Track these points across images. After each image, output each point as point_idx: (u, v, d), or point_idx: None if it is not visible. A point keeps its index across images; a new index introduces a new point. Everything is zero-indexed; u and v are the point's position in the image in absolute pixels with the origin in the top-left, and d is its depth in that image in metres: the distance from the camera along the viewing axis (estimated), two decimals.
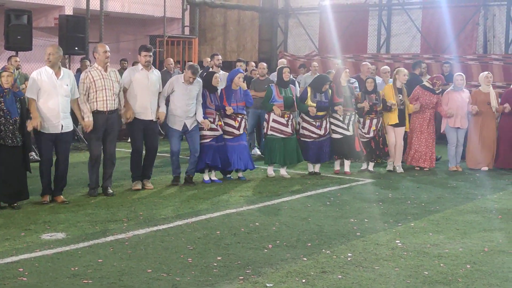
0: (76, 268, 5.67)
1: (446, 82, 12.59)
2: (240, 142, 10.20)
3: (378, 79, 12.43)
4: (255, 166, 10.62)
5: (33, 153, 10.30)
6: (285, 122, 10.41)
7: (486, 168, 11.50)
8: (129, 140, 11.93)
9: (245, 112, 10.41)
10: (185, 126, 9.58)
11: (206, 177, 10.04)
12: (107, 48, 8.80)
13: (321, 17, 20.15)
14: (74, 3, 16.60)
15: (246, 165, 10.25)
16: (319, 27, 20.35)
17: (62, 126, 8.23)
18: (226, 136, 10.13)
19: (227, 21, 21.56)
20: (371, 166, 11.25)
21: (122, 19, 18.76)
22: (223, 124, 10.03)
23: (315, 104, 10.46)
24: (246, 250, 6.33)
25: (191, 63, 10.23)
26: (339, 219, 7.75)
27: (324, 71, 14.54)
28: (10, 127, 7.82)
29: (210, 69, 13.13)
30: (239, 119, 10.18)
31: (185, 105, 9.50)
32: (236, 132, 10.15)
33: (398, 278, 5.60)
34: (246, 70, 13.44)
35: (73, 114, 8.59)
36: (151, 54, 9.18)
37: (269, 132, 10.46)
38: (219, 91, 10.10)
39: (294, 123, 10.57)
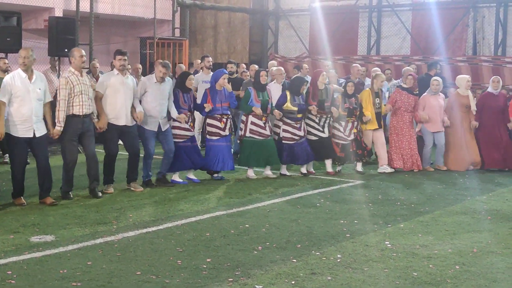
0: (65, 271, 5.64)
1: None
2: (225, 142, 10.25)
3: (368, 81, 12.49)
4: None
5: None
6: (263, 125, 10.46)
7: (471, 168, 11.64)
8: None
9: (229, 113, 10.41)
10: (159, 127, 9.57)
11: (176, 177, 10.06)
12: (83, 52, 8.74)
13: (311, 18, 20.23)
14: (64, 5, 16.55)
15: (228, 166, 10.29)
16: (310, 29, 20.42)
17: (34, 130, 8.18)
18: (211, 137, 10.18)
19: (218, 23, 21.57)
20: (359, 167, 11.29)
21: (112, 21, 18.73)
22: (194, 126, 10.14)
23: (296, 108, 10.56)
24: (235, 252, 6.33)
25: (160, 60, 10.23)
26: (329, 220, 7.75)
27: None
28: None
29: (201, 71, 13.13)
30: (224, 119, 10.22)
31: (159, 105, 9.48)
32: (222, 133, 10.19)
33: (387, 279, 5.60)
34: (236, 72, 13.44)
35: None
36: (125, 58, 9.13)
37: (248, 135, 10.47)
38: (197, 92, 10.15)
39: (270, 125, 10.62)
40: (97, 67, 13.94)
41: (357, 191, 9.74)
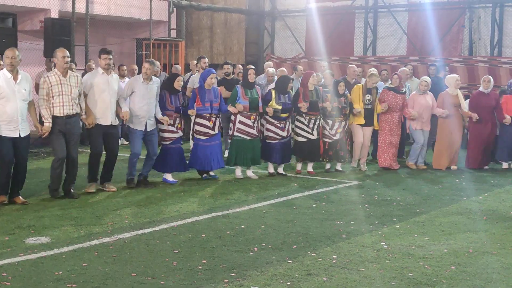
0: (60, 273, 5.63)
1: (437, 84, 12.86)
2: (214, 142, 10.28)
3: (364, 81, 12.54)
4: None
5: None
6: (251, 124, 10.47)
7: (455, 168, 11.84)
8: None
9: (217, 112, 10.40)
10: (145, 126, 9.57)
11: (169, 177, 10.12)
12: (67, 53, 8.73)
13: (307, 19, 20.19)
14: (60, 6, 16.48)
15: (218, 164, 10.32)
16: (306, 30, 20.39)
17: (20, 130, 8.19)
18: (200, 137, 10.20)
19: (214, 24, 21.55)
20: (339, 166, 11.45)
21: (108, 22, 18.65)
22: (182, 127, 10.14)
23: (280, 107, 10.59)
24: (231, 253, 6.32)
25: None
26: (324, 221, 7.75)
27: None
28: None
29: (197, 73, 13.10)
30: (213, 119, 10.24)
31: (146, 105, 9.49)
32: (211, 132, 10.23)
33: (383, 280, 5.60)
34: (233, 73, 13.42)
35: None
36: (111, 57, 9.14)
37: (236, 134, 10.49)
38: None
39: (259, 125, 10.62)
40: (93, 69, 13.92)
41: (353, 191, 9.74)
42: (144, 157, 9.85)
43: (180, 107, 10.05)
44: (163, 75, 14.52)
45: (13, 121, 8.14)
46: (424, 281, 5.58)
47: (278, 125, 10.71)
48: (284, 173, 10.98)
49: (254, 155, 10.58)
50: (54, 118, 8.57)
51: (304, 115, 10.91)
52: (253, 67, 12.92)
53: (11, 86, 8.13)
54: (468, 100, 12.13)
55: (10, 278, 5.49)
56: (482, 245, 6.75)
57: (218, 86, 11.15)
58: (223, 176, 10.67)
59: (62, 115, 8.59)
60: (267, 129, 10.74)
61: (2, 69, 8.61)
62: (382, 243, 6.77)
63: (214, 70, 10.60)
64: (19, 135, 8.22)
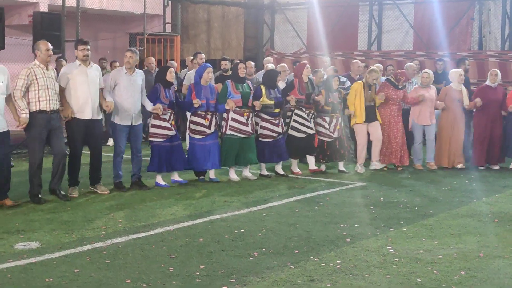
0: (51, 279, 5.55)
1: (441, 81, 12.72)
2: (211, 141, 10.05)
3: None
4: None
5: None
6: (245, 121, 10.24)
7: (462, 166, 11.69)
8: (108, 143, 11.47)
9: (213, 109, 10.17)
10: (131, 121, 9.37)
11: (160, 180, 9.83)
12: (50, 45, 8.58)
13: (309, 12, 19.87)
14: (49, 0, 16.31)
15: (215, 164, 10.10)
16: (307, 23, 20.07)
17: None
18: (196, 136, 9.97)
19: (211, 18, 21.36)
20: (341, 166, 11.29)
21: (100, 16, 18.47)
22: (175, 124, 9.93)
23: (273, 102, 10.44)
24: (230, 258, 6.21)
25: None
26: (328, 224, 7.63)
27: (313, 69, 14.46)
28: None
29: (193, 70, 12.92)
30: (209, 117, 10.02)
31: (131, 97, 9.31)
32: (207, 130, 9.99)
33: (390, 286, 5.50)
34: (231, 69, 13.22)
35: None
36: (88, 47, 8.95)
37: (228, 132, 10.24)
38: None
39: (253, 122, 10.41)
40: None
41: (358, 193, 9.62)
42: (129, 157, 9.68)
43: (174, 102, 9.83)
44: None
45: None
46: (433, 287, 5.49)
47: (274, 121, 10.50)
48: (284, 173, 10.79)
49: (249, 154, 10.31)
50: (38, 114, 8.35)
51: (304, 109, 10.75)
52: (252, 63, 12.84)
53: None
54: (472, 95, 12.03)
55: None
56: (493, 249, 6.63)
57: (215, 83, 10.97)
58: (221, 178, 10.52)
59: (48, 109, 8.40)
60: (262, 127, 10.50)
61: None
62: (388, 247, 6.66)
63: (209, 64, 10.40)
64: None
